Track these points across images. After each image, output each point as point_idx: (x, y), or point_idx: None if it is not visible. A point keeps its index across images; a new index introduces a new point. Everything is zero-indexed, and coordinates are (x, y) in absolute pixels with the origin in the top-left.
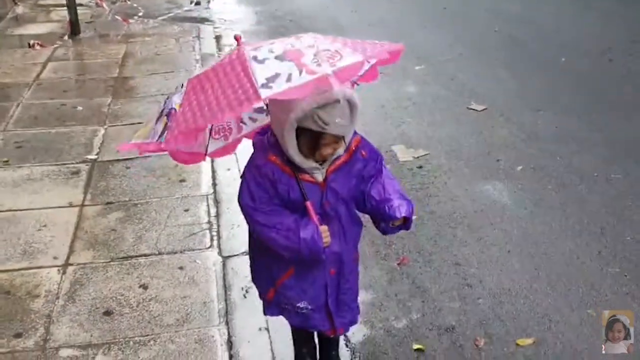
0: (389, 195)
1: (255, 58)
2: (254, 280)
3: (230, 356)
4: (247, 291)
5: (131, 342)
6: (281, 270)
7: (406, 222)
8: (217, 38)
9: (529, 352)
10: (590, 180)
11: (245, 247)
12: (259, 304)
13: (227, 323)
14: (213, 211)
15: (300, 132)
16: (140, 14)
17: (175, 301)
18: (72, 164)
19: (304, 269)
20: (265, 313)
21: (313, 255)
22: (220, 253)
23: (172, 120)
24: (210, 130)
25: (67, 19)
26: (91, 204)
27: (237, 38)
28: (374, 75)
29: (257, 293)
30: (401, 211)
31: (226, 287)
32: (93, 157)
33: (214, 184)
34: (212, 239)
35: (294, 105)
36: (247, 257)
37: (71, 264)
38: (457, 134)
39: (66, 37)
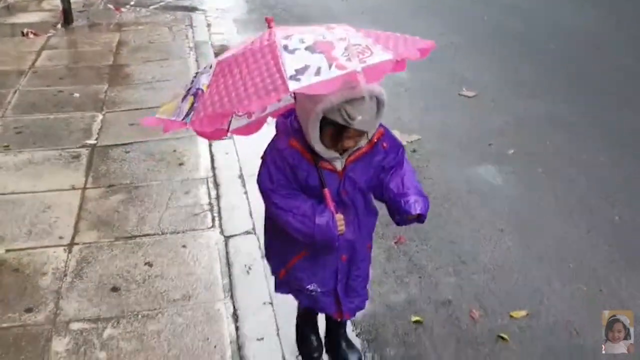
0: (407, 190)
1: (285, 47)
2: (267, 258)
3: (237, 328)
4: (250, 268)
5: (139, 316)
6: (294, 252)
7: (420, 218)
8: (209, 26)
9: (523, 324)
10: (579, 163)
11: (246, 226)
12: (262, 279)
13: (232, 297)
14: (213, 193)
15: (325, 123)
16: (132, 2)
17: (180, 278)
18: (72, 148)
19: (316, 252)
20: (275, 290)
21: (327, 242)
22: (222, 233)
23: (199, 102)
24: None
25: (59, 7)
26: (93, 186)
27: (268, 20)
28: (402, 67)
29: (259, 270)
30: (416, 208)
31: (229, 265)
32: (92, 142)
33: (213, 168)
34: (213, 220)
35: (322, 97)
36: (249, 236)
37: (77, 243)
38: (449, 119)
39: (59, 26)
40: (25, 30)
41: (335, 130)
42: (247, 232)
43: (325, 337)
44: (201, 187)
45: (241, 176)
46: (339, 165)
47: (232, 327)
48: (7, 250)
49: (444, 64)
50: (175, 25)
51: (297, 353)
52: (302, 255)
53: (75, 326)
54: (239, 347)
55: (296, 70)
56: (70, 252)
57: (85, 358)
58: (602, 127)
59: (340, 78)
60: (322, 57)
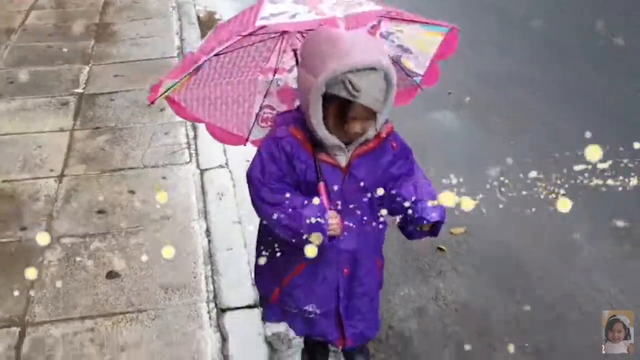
0: (421, 196)
1: (271, 0)
2: (256, 281)
3: (209, 241)
4: (222, 195)
5: (123, 232)
6: (289, 267)
7: (435, 228)
8: None
9: (460, 239)
10: (534, 114)
11: (220, 161)
12: (233, 205)
13: (205, 218)
14: (191, 134)
15: (328, 102)
16: None
17: (160, 203)
18: (61, 96)
19: (314, 265)
20: (265, 319)
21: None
22: (198, 167)
23: (184, 60)
24: (257, 116)
25: None
26: (81, 128)
27: None
28: (451, 49)
29: (231, 197)
30: (432, 216)
31: (204, 193)
32: (80, 90)
33: None
34: (190, 156)
35: (323, 68)
36: (222, 169)
37: (66, 175)
38: None
39: None
40: None
41: (339, 109)
42: (221, 166)
43: None
44: (180, 129)
45: None
46: (342, 160)
47: (205, 240)
48: (3, 181)
49: None
50: None
51: None
52: (299, 271)
53: (65, 240)
54: (210, 256)
55: (271, 14)
56: (60, 182)
57: (75, 265)
58: (563, 85)
59: (316, 21)
60: (304, 7)
